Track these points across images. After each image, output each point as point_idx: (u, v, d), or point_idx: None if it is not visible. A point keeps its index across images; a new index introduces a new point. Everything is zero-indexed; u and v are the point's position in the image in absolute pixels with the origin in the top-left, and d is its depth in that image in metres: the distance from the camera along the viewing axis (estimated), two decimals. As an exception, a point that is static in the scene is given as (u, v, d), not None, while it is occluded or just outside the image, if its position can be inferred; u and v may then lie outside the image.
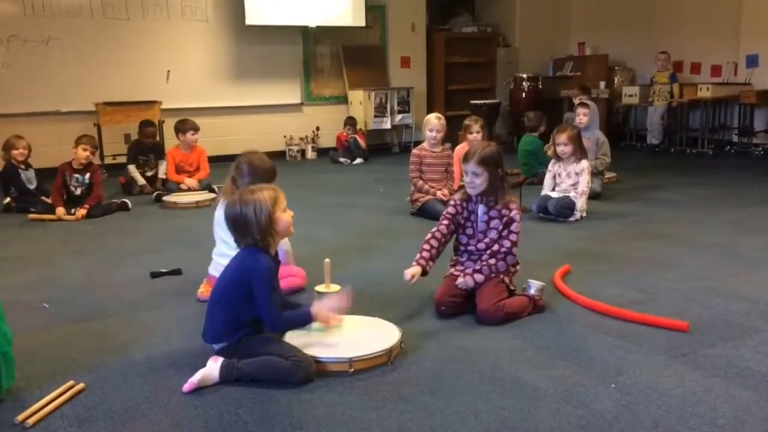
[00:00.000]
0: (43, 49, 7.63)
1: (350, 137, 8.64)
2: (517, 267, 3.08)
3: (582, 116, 5.77)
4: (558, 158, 5.00)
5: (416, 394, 2.23)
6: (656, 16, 9.77)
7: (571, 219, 4.79)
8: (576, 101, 6.87)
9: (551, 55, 10.79)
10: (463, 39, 10.54)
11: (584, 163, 4.92)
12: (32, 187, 5.73)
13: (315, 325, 2.52)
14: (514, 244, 2.97)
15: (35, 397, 2.22)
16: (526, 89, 9.74)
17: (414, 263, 2.99)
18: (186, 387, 2.26)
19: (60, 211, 5.24)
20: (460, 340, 2.68)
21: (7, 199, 5.66)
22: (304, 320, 2.47)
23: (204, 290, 3.24)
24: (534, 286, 3.01)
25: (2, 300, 2.26)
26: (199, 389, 2.27)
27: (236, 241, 2.47)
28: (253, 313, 2.41)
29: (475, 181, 2.97)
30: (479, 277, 2.93)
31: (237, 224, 2.42)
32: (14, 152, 5.66)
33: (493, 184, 2.96)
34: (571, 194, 4.87)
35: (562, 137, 4.91)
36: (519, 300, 2.95)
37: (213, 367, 2.32)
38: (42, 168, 5.96)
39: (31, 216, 5.26)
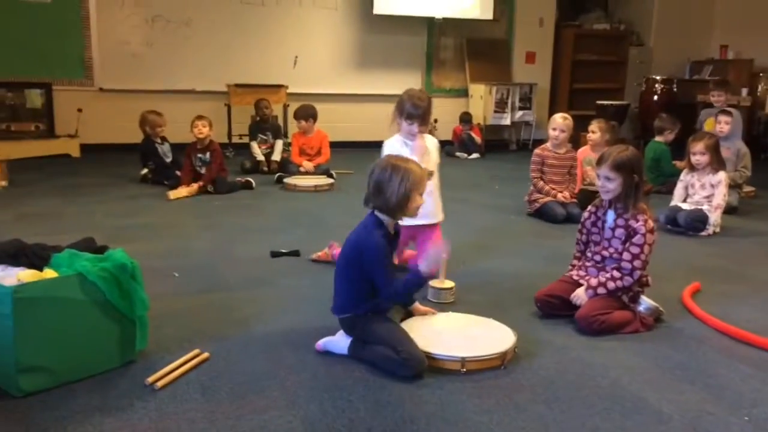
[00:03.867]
0: (184, 30, 8.06)
1: (465, 132, 8.56)
2: (644, 288, 2.90)
3: (723, 124, 5.39)
4: (692, 168, 4.70)
5: (530, 402, 2.17)
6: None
7: (703, 233, 4.50)
8: (712, 98, 6.46)
9: (689, 57, 10.14)
10: (594, 36, 10.10)
11: (721, 175, 4.59)
12: (168, 160, 6.09)
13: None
14: (634, 257, 2.76)
15: (164, 361, 2.36)
16: (658, 92, 9.23)
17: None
18: (318, 345, 2.50)
19: (173, 192, 5.34)
20: (578, 351, 2.58)
21: (145, 170, 6.06)
22: (417, 282, 2.44)
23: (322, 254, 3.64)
24: (644, 303, 2.85)
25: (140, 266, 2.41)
26: (327, 354, 2.49)
27: (366, 198, 2.50)
28: (372, 286, 2.45)
29: (608, 186, 2.84)
30: (602, 291, 2.81)
31: (378, 185, 2.43)
32: (157, 128, 6.03)
33: (627, 191, 2.82)
34: (704, 207, 4.57)
35: (699, 146, 4.60)
36: (621, 314, 2.79)
37: (343, 340, 2.48)
38: (176, 143, 6.31)
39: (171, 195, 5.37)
